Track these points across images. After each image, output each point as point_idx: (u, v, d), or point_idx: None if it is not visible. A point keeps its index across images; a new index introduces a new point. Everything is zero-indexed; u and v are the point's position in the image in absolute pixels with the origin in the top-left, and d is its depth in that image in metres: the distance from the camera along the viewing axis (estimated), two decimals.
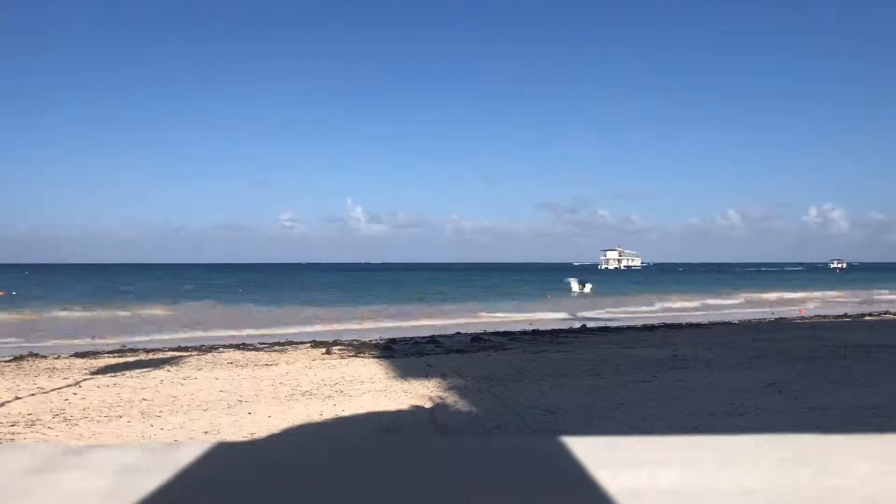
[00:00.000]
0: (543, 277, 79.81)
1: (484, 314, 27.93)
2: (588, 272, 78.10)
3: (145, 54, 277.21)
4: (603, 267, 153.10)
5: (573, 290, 48.73)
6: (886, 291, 45.28)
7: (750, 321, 20.96)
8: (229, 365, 11.42)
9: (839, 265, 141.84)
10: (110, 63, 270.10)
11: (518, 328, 19.12)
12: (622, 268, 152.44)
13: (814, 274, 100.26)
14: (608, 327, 19.29)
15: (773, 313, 26.36)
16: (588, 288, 48.42)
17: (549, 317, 26.34)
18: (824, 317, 23.36)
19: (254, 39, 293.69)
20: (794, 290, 46.60)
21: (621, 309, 31.31)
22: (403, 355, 12.52)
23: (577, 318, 24.95)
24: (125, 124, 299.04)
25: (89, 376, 10.05)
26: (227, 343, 15.95)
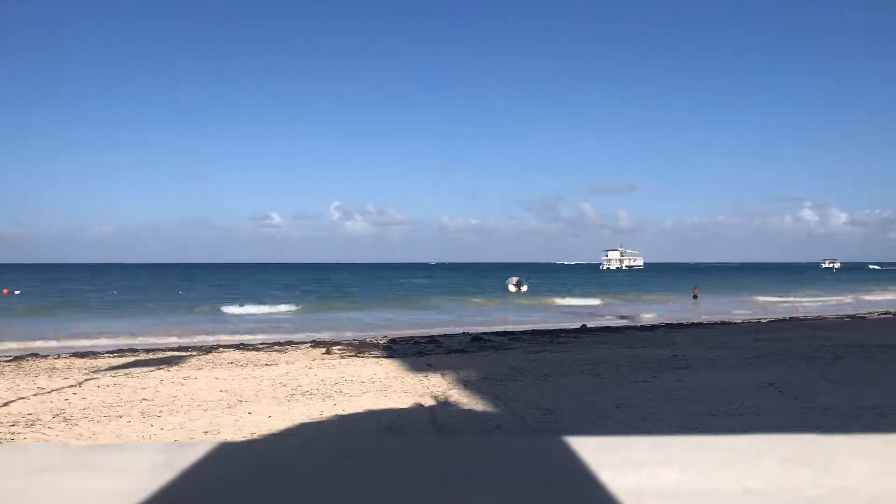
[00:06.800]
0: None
1: None
2: (584, 272, 74.85)
3: (132, 52, 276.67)
4: (605, 267, 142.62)
5: (510, 290, 48.33)
6: (880, 290, 45.30)
7: (750, 321, 20.97)
8: (229, 365, 11.43)
9: (833, 265, 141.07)
10: (102, 62, 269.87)
11: (518, 328, 19.11)
12: (623, 268, 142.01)
13: (810, 273, 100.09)
14: (608, 327, 19.31)
15: (766, 313, 26.33)
16: (525, 288, 48.21)
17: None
18: (824, 317, 23.38)
19: (244, 38, 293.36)
20: (791, 289, 46.58)
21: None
22: (403, 355, 12.53)
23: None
24: (111, 123, 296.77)
25: (89, 376, 10.05)
26: (228, 343, 15.95)
